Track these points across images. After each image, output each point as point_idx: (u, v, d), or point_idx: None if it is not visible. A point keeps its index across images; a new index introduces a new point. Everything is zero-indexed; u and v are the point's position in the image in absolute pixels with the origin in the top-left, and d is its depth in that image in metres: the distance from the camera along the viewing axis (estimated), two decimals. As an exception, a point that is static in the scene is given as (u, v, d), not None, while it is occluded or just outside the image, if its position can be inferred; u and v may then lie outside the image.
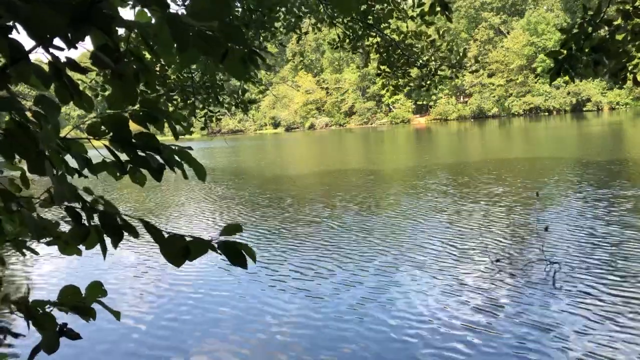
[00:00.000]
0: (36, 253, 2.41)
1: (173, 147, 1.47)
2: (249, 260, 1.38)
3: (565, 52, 3.68)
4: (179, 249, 1.31)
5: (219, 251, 1.35)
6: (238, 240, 1.37)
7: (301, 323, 5.74)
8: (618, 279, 6.32)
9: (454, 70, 5.92)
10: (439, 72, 5.99)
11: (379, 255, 8.14)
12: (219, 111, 5.78)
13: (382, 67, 6.07)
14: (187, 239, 1.34)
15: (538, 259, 7.25)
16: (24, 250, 2.34)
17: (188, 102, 5.24)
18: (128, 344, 5.57)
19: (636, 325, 5.09)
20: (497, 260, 7.38)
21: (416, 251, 8.20)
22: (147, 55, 4.11)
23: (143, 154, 1.40)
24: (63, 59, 1.22)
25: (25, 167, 2.00)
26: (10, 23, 1.10)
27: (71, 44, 1.09)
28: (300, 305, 6.27)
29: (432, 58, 5.97)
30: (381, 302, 6.15)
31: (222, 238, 1.36)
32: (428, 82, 6.05)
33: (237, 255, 1.34)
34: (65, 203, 1.41)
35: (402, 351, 4.94)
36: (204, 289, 7.14)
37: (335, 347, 5.12)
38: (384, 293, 6.45)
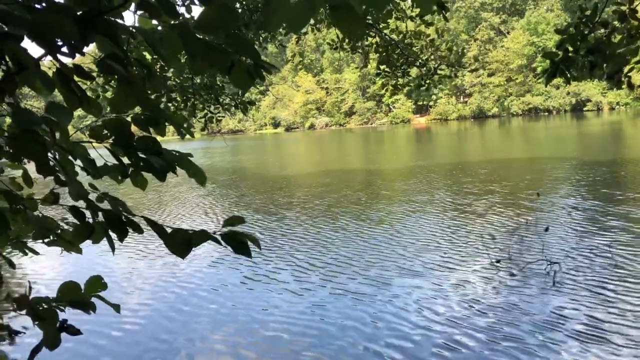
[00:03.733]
0: (37, 253, 2.42)
1: (174, 153, 1.49)
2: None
3: (561, 53, 3.69)
4: (182, 242, 1.34)
5: (223, 243, 1.38)
6: (240, 230, 1.39)
7: (301, 323, 5.76)
8: (618, 278, 6.33)
9: (453, 69, 5.93)
10: (439, 72, 6.01)
11: (379, 255, 8.15)
12: (218, 112, 5.80)
13: (382, 67, 6.10)
14: (189, 232, 1.37)
15: (538, 259, 7.27)
16: (25, 250, 2.36)
17: (188, 103, 5.26)
18: (129, 341, 5.59)
19: (637, 325, 5.11)
20: (498, 261, 7.40)
21: (416, 251, 8.22)
22: (147, 56, 4.14)
23: (145, 157, 1.43)
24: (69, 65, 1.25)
25: (27, 166, 2.02)
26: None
27: (76, 51, 1.11)
28: (299, 305, 6.28)
29: (432, 57, 5.98)
30: (380, 302, 6.17)
31: (225, 229, 1.39)
32: (428, 82, 6.06)
33: (240, 245, 1.37)
34: (70, 202, 1.44)
35: (401, 350, 4.96)
36: (203, 287, 7.16)
37: (334, 346, 5.14)
38: (384, 292, 6.47)
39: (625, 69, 3.52)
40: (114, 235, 1.49)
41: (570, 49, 3.61)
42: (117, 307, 1.67)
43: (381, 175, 19.32)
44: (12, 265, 2.36)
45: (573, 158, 19.37)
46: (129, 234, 1.49)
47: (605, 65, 3.48)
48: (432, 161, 22.63)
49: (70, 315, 1.70)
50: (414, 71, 6.15)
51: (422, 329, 5.39)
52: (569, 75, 3.63)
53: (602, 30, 3.59)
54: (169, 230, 1.37)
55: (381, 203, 13.05)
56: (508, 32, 76.78)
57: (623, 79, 3.53)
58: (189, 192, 17.79)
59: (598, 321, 5.25)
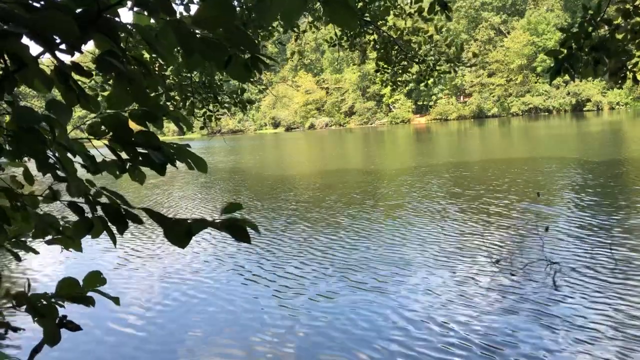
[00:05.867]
0: (36, 252, 2.43)
1: (172, 145, 1.50)
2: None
3: (565, 51, 3.71)
4: (182, 231, 1.34)
5: (222, 230, 1.38)
6: (239, 217, 1.40)
7: (300, 324, 5.76)
8: (618, 278, 6.33)
9: (452, 65, 5.95)
10: (437, 68, 6.03)
11: (378, 255, 8.16)
12: (217, 110, 5.81)
13: (380, 63, 6.11)
14: (189, 221, 1.38)
15: (538, 259, 7.27)
16: (25, 249, 2.36)
17: (187, 101, 5.26)
18: (128, 342, 5.60)
19: (637, 325, 5.11)
20: (498, 261, 7.40)
21: (415, 251, 8.22)
22: (146, 55, 4.15)
23: (144, 152, 1.44)
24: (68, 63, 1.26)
25: (27, 164, 2.03)
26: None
27: (75, 49, 1.12)
28: (299, 306, 6.29)
29: (431, 53, 6.00)
30: (380, 303, 6.18)
31: (224, 217, 1.39)
32: (427, 78, 6.07)
33: (239, 231, 1.37)
34: (69, 198, 1.45)
35: (400, 351, 4.97)
36: (200, 287, 7.18)
37: (333, 347, 5.15)
38: (383, 293, 6.48)
39: (630, 65, 3.54)
40: (114, 229, 1.50)
41: (575, 46, 3.63)
42: (116, 300, 1.68)
43: (380, 175, 19.32)
44: (18, 258, 2.37)
45: (573, 158, 19.37)
46: (131, 231, 1.49)
47: (608, 61, 3.50)
48: (431, 161, 22.63)
49: (69, 311, 1.71)
50: (414, 69, 6.16)
51: (421, 329, 5.39)
52: (573, 72, 3.65)
53: (605, 28, 3.62)
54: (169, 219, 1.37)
55: (380, 202, 13.05)
56: (508, 32, 76.79)
57: (628, 74, 3.55)
58: (182, 193, 17.78)
59: (598, 321, 5.25)
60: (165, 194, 17.46)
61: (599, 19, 3.61)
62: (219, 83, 5.49)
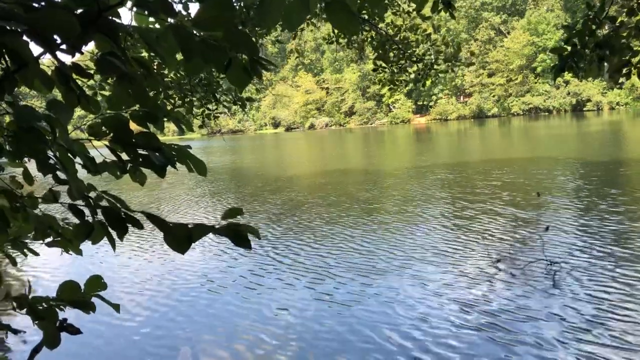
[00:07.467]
0: (36, 254, 2.42)
1: (172, 146, 1.50)
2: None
3: (569, 48, 3.71)
4: (182, 236, 1.33)
5: (223, 235, 1.36)
6: (240, 222, 1.38)
7: (299, 325, 5.76)
8: (618, 278, 6.33)
9: (450, 64, 5.94)
10: (435, 67, 6.02)
11: (379, 255, 8.16)
12: (216, 109, 5.78)
13: (378, 62, 6.10)
14: (189, 226, 1.36)
15: (538, 259, 7.27)
16: (25, 251, 2.35)
17: (186, 100, 5.23)
18: (128, 341, 5.60)
19: (637, 324, 5.11)
20: (498, 261, 7.40)
21: (416, 252, 8.22)
22: (144, 54, 4.13)
23: (144, 153, 1.43)
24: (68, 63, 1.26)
25: (27, 165, 2.03)
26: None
27: (75, 49, 1.12)
28: (298, 306, 6.29)
29: (428, 52, 5.99)
30: (380, 303, 6.17)
31: (225, 222, 1.37)
32: (424, 77, 6.06)
33: (240, 237, 1.36)
34: (70, 201, 1.45)
35: (400, 351, 4.96)
36: (202, 289, 7.17)
37: (334, 348, 5.15)
38: (383, 293, 6.48)
39: (635, 62, 3.54)
40: (114, 234, 1.49)
41: (579, 44, 3.64)
42: (117, 307, 1.67)
43: (380, 176, 19.31)
44: (14, 262, 2.36)
45: (573, 158, 19.37)
46: (129, 235, 1.48)
47: (612, 58, 3.51)
48: (431, 161, 22.62)
49: (69, 314, 1.70)
50: (412, 69, 6.15)
51: (421, 329, 5.39)
52: (577, 70, 3.65)
53: (606, 28, 3.63)
54: (170, 224, 1.36)
55: (379, 203, 13.05)
56: (508, 32, 76.83)
57: (633, 71, 3.55)
58: (182, 194, 17.76)
59: (598, 321, 5.24)
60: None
61: (602, 17, 3.61)
62: (217, 81, 5.47)
